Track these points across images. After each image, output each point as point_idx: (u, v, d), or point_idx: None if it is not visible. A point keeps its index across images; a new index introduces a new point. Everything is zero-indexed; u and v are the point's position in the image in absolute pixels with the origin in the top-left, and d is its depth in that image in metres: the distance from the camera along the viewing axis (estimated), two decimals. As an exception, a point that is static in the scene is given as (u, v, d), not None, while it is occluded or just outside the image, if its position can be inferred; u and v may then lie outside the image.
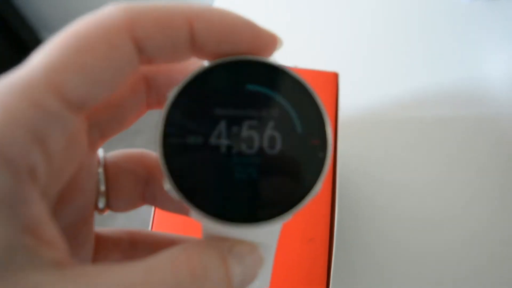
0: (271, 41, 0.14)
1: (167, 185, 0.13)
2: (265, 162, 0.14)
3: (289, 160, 0.14)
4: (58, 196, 0.13)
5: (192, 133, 0.13)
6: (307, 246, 0.25)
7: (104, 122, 0.15)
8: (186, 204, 0.13)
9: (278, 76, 0.14)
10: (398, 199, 0.37)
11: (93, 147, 0.15)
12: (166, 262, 0.12)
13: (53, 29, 1.10)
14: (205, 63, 0.14)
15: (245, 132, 0.14)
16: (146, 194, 0.17)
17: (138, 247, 0.17)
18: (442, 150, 0.39)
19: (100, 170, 0.16)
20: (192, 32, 0.13)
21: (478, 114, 0.41)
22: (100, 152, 0.16)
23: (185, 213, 0.15)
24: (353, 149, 0.39)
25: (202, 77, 0.14)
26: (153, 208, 0.24)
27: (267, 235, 0.14)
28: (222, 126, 0.13)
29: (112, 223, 0.95)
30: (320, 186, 0.14)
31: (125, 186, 0.16)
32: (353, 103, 0.41)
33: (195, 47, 0.13)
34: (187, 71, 0.14)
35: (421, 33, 0.45)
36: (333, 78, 0.29)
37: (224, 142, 0.13)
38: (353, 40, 0.45)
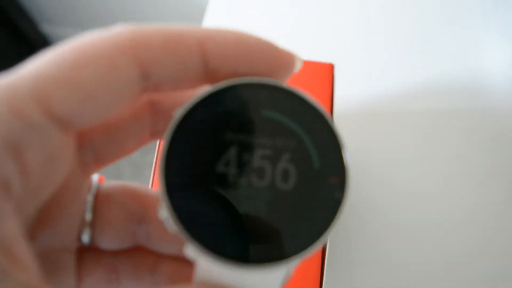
0: (290, 62, 0.13)
1: (164, 213, 0.12)
2: (276, 198, 0.12)
3: (303, 198, 0.12)
4: (36, 216, 0.12)
5: (199, 158, 0.12)
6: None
7: (99, 145, 0.14)
8: (182, 236, 0.12)
9: (298, 104, 0.13)
10: (395, 193, 0.37)
11: (85, 170, 0.14)
12: None
13: (54, 21, 1.10)
14: (220, 83, 0.13)
15: (257, 161, 0.12)
16: (138, 234, 0.15)
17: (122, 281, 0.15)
18: (440, 144, 0.39)
19: (90, 197, 0.14)
20: (205, 55, 0.12)
21: (478, 107, 0.41)
22: (94, 179, 0.15)
23: (181, 254, 0.14)
24: (348, 142, 0.39)
25: (215, 96, 0.12)
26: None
27: (268, 282, 0.13)
28: (232, 152, 0.12)
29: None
30: (334, 230, 0.12)
31: (114, 220, 0.15)
32: (349, 95, 0.41)
33: (207, 72, 0.12)
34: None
35: (420, 25, 0.45)
36: (328, 69, 0.29)
37: (232, 170, 0.12)
38: (350, 31, 0.45)
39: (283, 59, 0.13)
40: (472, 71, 0.42)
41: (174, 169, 0.12)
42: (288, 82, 0.29)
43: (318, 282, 0.24)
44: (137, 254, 0.15)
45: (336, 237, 0.35)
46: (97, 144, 0.14)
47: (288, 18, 0.45)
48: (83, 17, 1.07)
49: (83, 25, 1.10)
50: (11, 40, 1.05)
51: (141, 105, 0.14)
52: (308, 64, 0.29)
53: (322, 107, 0.13)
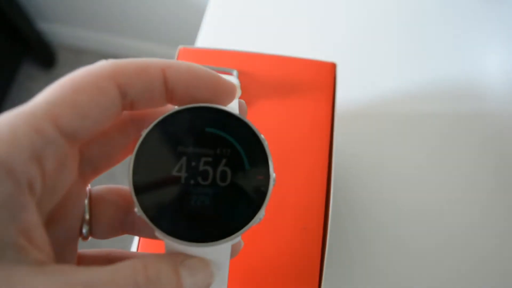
0: (230, 89, 0.17)
1: (136, 208, 0.16)
2: (216, 192, 0.16)
3: (237, 192, 0.16)
4: (49, 214, 0.15)
5: (158, 165, 0.16)
6: (300, 234, 0.25)
7: (95, 158, 0.17)
8: (149, 225, 0.16)
9: (232, 121, 0.17)
10: (393, 191, 0.37)
11: (84, 180, 0.17)
12: (128, 267, 0.14)
13: (49, 19, 1.09)
14: (173, 109, 0.17)
15: (201, 167, 0.16)
16: (126, 223, 0.19)
17: (113, 262, 0.19)
18: (438, 144, 0.39)
19: (86, 201, 0.18)
20: (165, 79, 0.16)
21: (475, 110, 0.41)
22: (87, 187, 0.19)
23: (158, 237, 0.17)
24: (349, 140, 0.39)
25: (169, 119, 0.17)
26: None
27: (218, 254, 0.17)
28: (183, 161, 0.16)
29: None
30: (263, 214, 0.16)
31: (107, 215, 0.18)
32: (351, 94, 0.41)
33: (167, 92, 0.16)
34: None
35: (420, 27, 0.45)
36: (330, 69, 0.29)
37: (183, 174, 0.16)
38: (352, 32, 0.45)
39: (224, 87, 0.17)
40: (471, 73, 0.42)
41: (139, 175, 0.16)
42: (291, 81, 0.29)
43: (318, 272, 0.24)
44: None
45: (336, 225, 0.35)
46: (93, 159, 0.17)
47: (291, 16, 0.45)
48: (78, 15, 1.06)
49: (78, 23, 1.09)
50: (7, 37, 1.04)
51: (125, 124, 0.18)
52: (309, 63, 0.29)
53: (251, 123, 0.17)
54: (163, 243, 0.17)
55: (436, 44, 0.44)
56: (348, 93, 0.40)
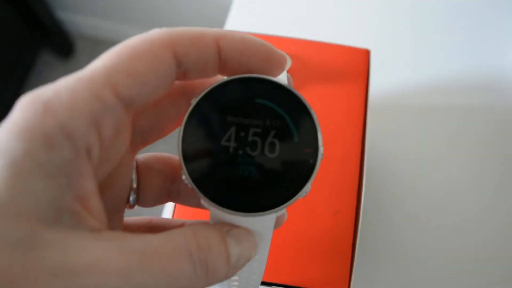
0: (281, 60, 0.17)
1: (183, 176, 0.16)
2: (264, 164, 0.16)
3: (285, 164, 0.16)
4: (101, 183, 0.15)
5: (207, 135, 0.16)
6: (333, 218, 0.25)
7: (145, 129, 0.17)
8: (196, 192, 0.16)
9: (282, 93, 0.16)
10: (423, 178, 0.38)
11: (134, 149, 0.18)
12: (180, 235, 0.14)
13: (69, 8, 1.10)
14: (224, 78, 0.17)
15: (250, 137, 0.16)
16: (171, 192, 0.19)
17: (154, 230, 0.19)
18: (466, 136, 0.39)
19: (133, 170, 0.18)
20: (219, 49, 0.16)
21: (501, 104, 0.41)
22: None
23: (201, 206, 0.17)
24: (382, 127, 0.38)
25: (219, 89, 0.16)
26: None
27: (262, 225, 0.17)
28: (232, 131, 0.16)
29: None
30: (310, 188, 0.16)
31: (154, 184, 0.19)
32: (383, 82, 0.40)
33: (221, 62, 0.16)
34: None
35: (446, 21, 0.45)
36: (364, 55, 0.29)
37: (232, 144, 0.16)
38: (385, 21, 0.44)
39: (277, 57, 0.17)
40: (497, 67, 0.42)
41: (188, 143, 0.16)
42: (325, 66, 0.29)
43: (349, 256, 0.24)
44: None
45: (368, 209, 0.34)
46: (143, 129, 0.17)
47: (326, 2, 0.45)
48: (97, 5, 1.07)
49: (97, 13, 1.09)
50: (26, 26, 1.05)
51: (176, 95, 0.18)
52: (343, 49, 0.29)
53: (301, 96, 0.16)
54: (198, 211, 0.17)
55: (463, 38, 0.44)
56: (380, 80, 0.40)
